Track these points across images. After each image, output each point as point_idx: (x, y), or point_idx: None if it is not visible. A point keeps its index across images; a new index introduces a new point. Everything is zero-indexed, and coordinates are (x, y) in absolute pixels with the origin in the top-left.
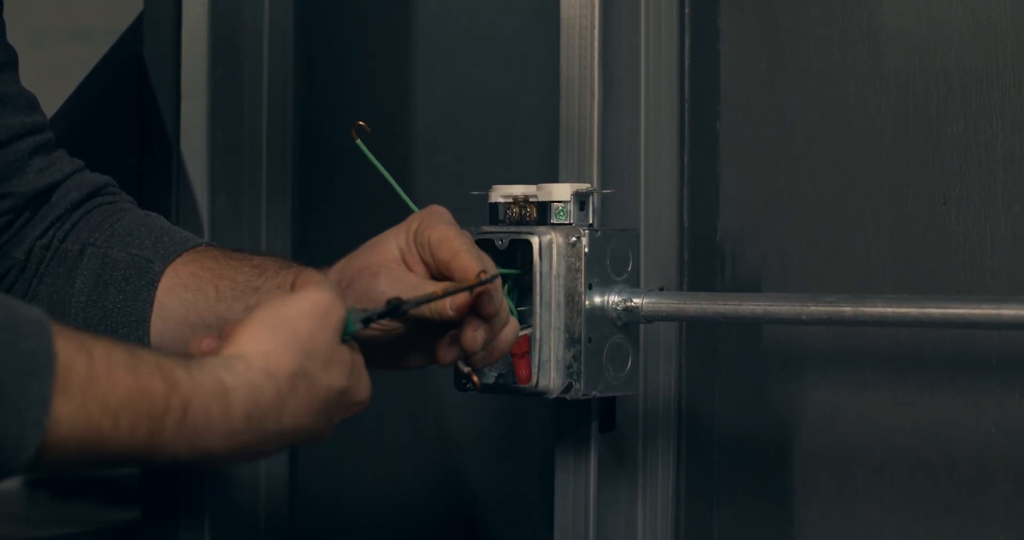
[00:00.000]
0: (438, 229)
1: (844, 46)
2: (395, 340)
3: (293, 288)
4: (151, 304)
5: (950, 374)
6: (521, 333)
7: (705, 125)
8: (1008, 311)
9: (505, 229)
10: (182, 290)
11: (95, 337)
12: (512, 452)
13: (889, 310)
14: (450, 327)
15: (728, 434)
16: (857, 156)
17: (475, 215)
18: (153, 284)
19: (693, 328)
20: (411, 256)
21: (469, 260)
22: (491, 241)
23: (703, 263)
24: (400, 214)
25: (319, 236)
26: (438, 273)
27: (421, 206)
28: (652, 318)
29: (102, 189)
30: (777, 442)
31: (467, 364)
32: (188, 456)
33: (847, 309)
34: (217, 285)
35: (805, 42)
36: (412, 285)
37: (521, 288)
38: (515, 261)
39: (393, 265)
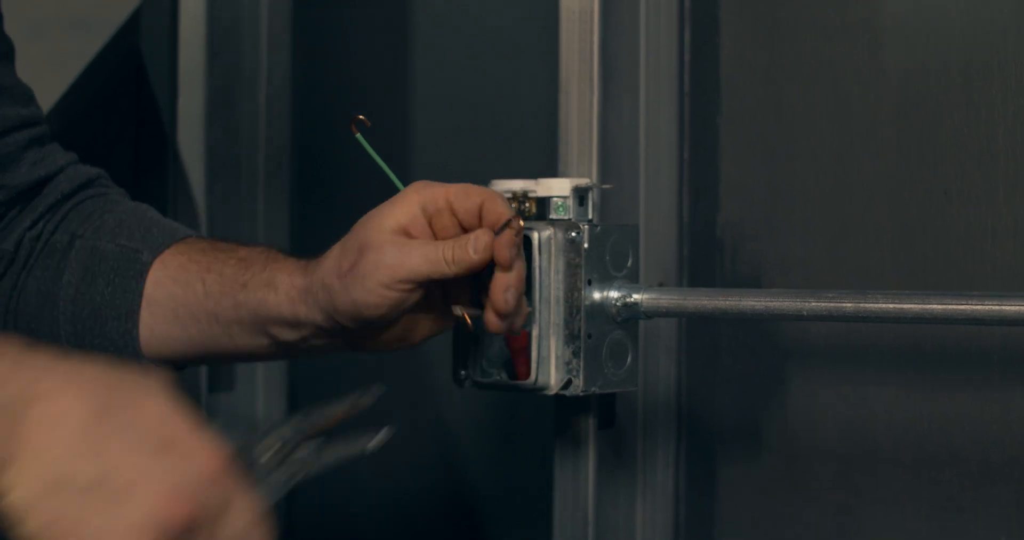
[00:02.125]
0: (451, 187)
1: (844, 38)
2: (408, 311)
3: None
4: (140, 296)
5: (952, 370)
6: (520, 329)
7: (705, 119)
8: (1011, 307)
9: None
10: (171, 283)
11: None
12: (511, 449)
13: (890, 306)
14: (471, 283)
15: (728, 431)
16: (858, 149)
17: None
18: (142, 275)
19: (693, 324)
20: (415, 227)
21: (500, 205)
22: None
23: (703, 258)
24: None
25: (316, 230)
26: (459, 229)
27: None
28: (652, 314)
29: (94, 181)
30: (777, 439)
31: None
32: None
33: (848, 305)
34: (204, 279)
35: (805, 35)
36: (419, 247)
37: None
38: None
39: (396, 236)
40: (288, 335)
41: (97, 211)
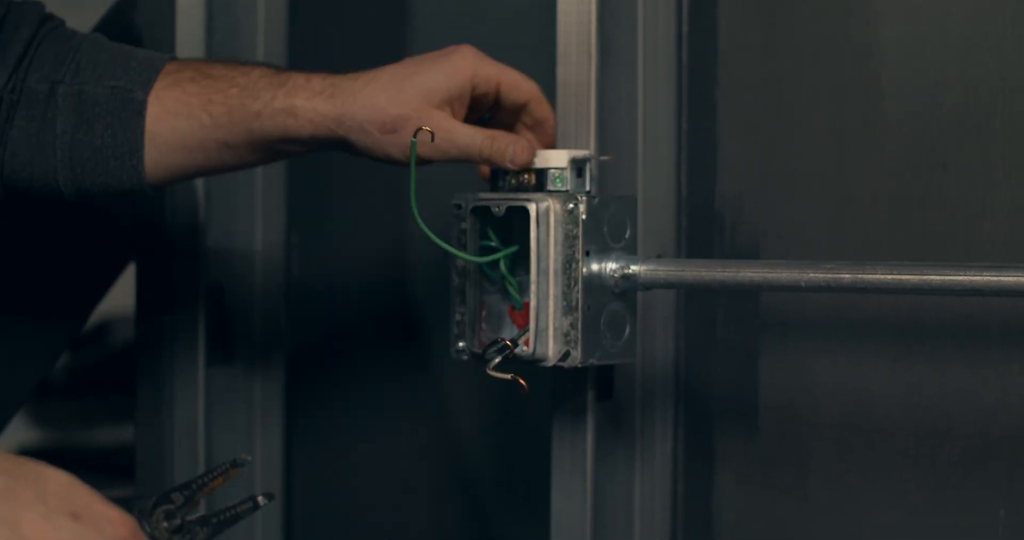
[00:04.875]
0: (504, 74)
1: (842, 10)
2: None
3: None
4: (142, 133)
5: (950, 342)
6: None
7: (703, 91)
8: (1008, 277)
9: (503, 196)
10: (172, 117)
11: None
12: (509, 421)
13: (888, 277)
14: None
15: (726, 402)
16: (856, 121)
17: (473, 182)
18: (140, 113)
19: (691, 295)
20: (458, 104)
21: (546, 108)
22: (488, 208)
23: (701, 230)
24: (391, 199)
25: (314, 224)
26: (495, 113)
27: (419, 181)
28: (650, 285)
29: (47, 19)
30: (775, 411)
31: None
32: None
33: (846, 276)
34: (210, 111)
35: (803, 8)
36: (462, 130)
37: (517, 256)
38: (512, 228)
39: (441, 111)
40: (302, 149)
41: (65, 52)
